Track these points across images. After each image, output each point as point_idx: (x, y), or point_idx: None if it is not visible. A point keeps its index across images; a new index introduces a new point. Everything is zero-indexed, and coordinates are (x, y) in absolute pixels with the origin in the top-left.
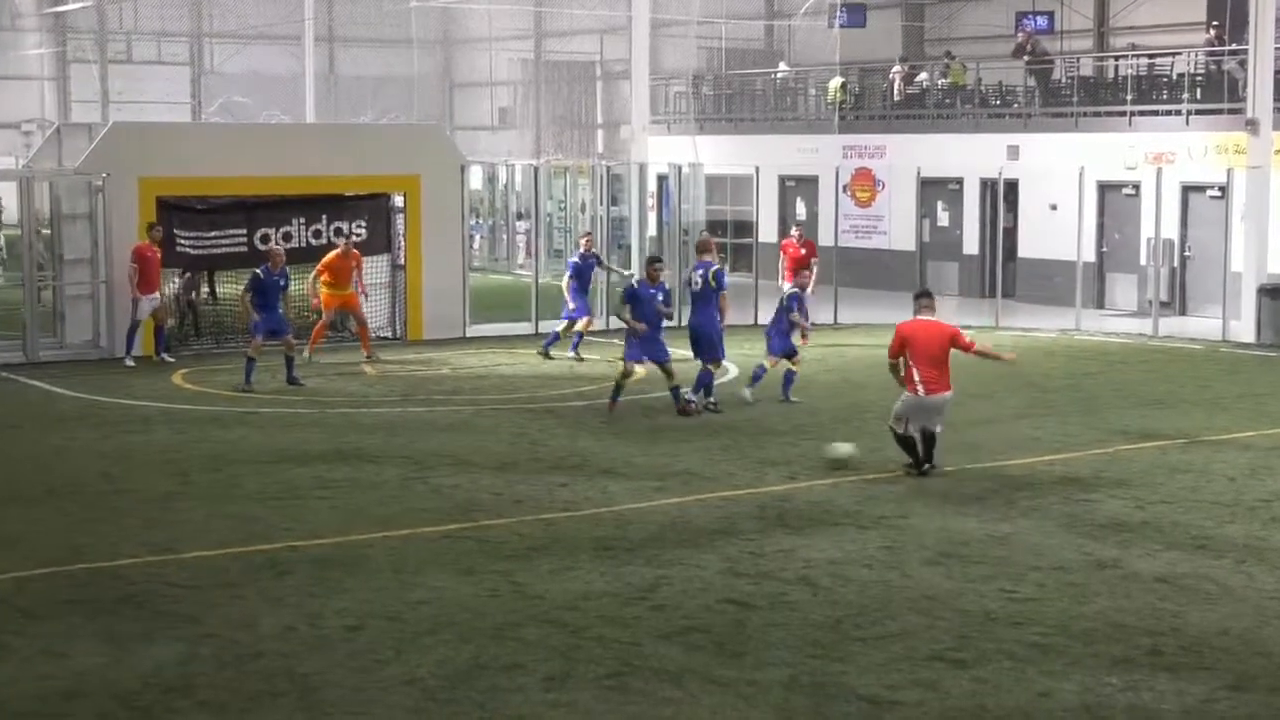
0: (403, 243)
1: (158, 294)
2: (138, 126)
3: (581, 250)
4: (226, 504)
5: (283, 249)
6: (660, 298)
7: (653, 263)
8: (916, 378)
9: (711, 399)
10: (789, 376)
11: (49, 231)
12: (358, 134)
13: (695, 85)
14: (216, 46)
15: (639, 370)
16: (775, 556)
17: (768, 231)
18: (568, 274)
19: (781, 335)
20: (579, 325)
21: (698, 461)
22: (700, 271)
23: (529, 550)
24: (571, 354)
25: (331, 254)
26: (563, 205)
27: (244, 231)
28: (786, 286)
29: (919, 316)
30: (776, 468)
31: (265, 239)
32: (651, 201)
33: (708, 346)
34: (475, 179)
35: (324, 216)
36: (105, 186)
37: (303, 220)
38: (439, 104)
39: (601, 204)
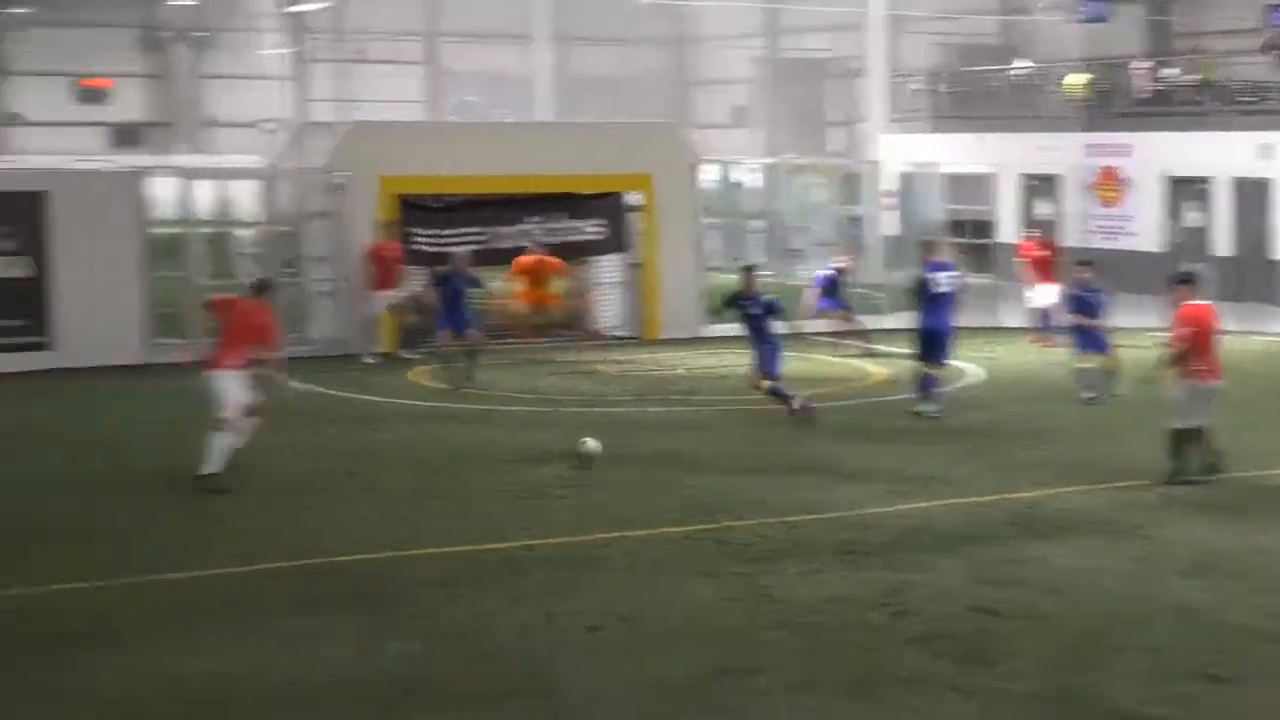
0: (637, 241)
1: (394, 292)
2: (379, 125)
3: (832, 266)
4: (466, 502)
5: (468, 254)
6: (758, 311)
7: (748, 271)
8: (1198, 364)
9: (933, 408)
10: (1095, 375)
11: (291, 229)
12: (592, 133)
13: (932, 83)
14: (450, 46)
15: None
16: (1023, 563)
17: (1007, 232)
18: (814, 286)
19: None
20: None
21: (941, 465)
22: (946, 274)
23: (771, 553)
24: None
25: (525, 257)
26: (798, 205)
27: (479, 229)
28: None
29: (1191, 300)
30: (1022, 473)
31: (499, 237)
32: (888, 201)
33: (940, 348)
34: (709, 177)
35: (560, 214)
36: (348, 185)
37: (538, 219)
38: (673, 102)
39: (838, 203)
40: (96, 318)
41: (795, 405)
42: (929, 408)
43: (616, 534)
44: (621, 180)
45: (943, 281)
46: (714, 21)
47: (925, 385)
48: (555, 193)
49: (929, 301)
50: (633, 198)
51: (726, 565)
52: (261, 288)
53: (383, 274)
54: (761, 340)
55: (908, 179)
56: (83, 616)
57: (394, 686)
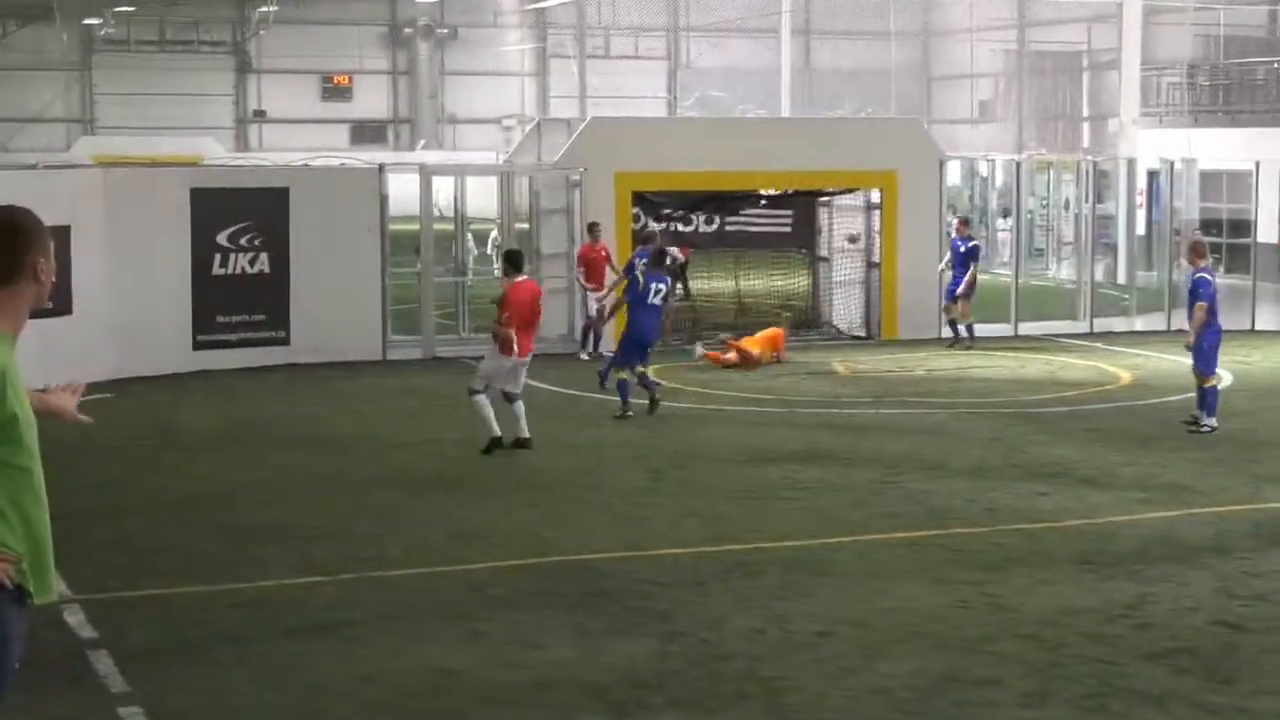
0: (878, 240)
1: (603, 291)
2: (614, 121)
3: (953, 233)
4: (696, 501)
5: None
6: (661, 291)
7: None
8: None
9: (1214, 422)
10: None
11: (527, 226)
12: (833, 128)
13: (1190, 75)
14: (692, 41)
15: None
16: (1274, 577)
17: (1267, 231)
18: (948, 257)
19: None
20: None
21: (1188, 473)
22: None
23: (1005, 561)
24: (962, 342)
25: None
26: (1045, 202)
27: (714, 226)
28: None
29: None
30: (1274, 483)
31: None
32: (1140, 199)
33: (1215, 359)
34: (954, 174)
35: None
36: (583, 180)
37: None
38: (917, 97)
39: (1086, 201)
40: (335, 313)
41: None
42: (1211, 421)
43: (847, 538)
44: (865, 177)
45: (1210, 287)
46: (961, 14)
47: (1207, 398)
48: (794, 190)
49: (1211, 310)
50: (874, 195)
51: (958, 572)
52: (512, 260)
53: (591, 275)
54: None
55: (1160, 175)
56: (315, 611)
57: (621, 685)
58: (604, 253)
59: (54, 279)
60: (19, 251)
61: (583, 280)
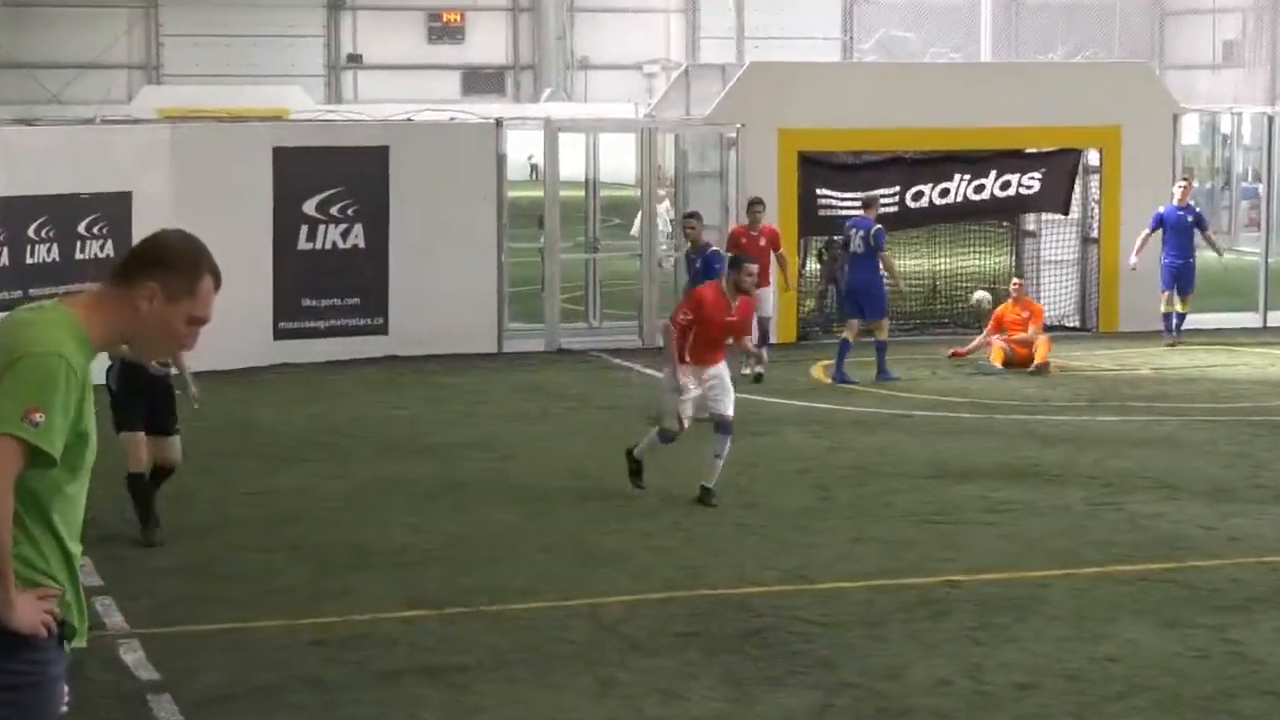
0: (1097, 210)
1: (766, 290)
2: (778, 67)
3: (1176, 201)
4: (872, 525)
5: (701, 222)
6: (700, 264)
7: (688, 219)
8: None
9: None
10: None
11: (671, 192)
12: (1043, 75)
13: None
14: None
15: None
16: None
17: None
18: (1148, 229)
19: None
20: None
21: None
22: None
23: (1248, 601)
24: (1168, 337)
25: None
26: None
27: (896, 190)
28: None
29: None
30: None
31: (919, 197)
32: None
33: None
34: (1191, 131)
35: (992, 173)
36: (740, 139)
37: (967, 178)
38: (1146, 38)
39: None
40: (442, 297)
41: None
42: None
43: (1058, 571)
44: (1081, 134)
45: None
46: None
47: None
48: (996, 150)
49: None
50: (1092, 156)
51: (1192, 614)
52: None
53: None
54: None
55: None
56: (417, 651)
57: None
58: (766, 240)
59: (173, 337)
60: (147, 265)
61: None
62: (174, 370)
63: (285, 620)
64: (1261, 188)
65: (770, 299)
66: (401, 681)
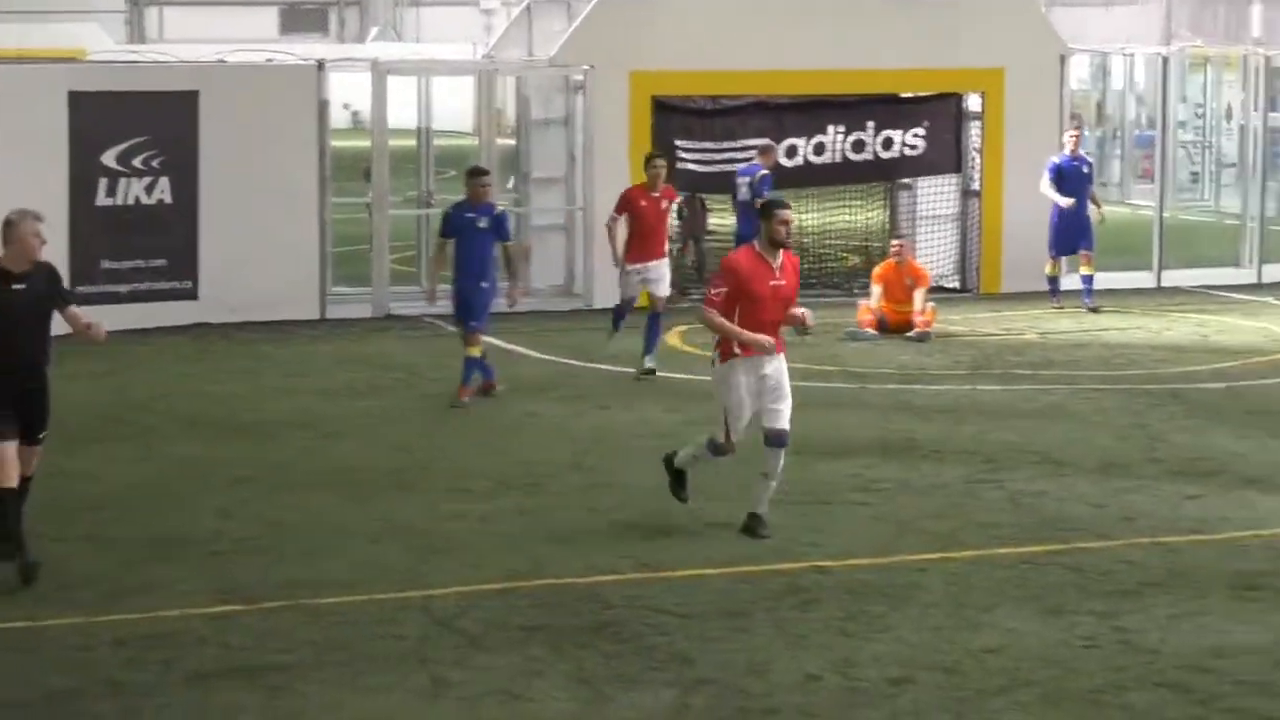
0: (978, 160)
1: (658, 263)
2: (630, 3)
3: (1069, 151)
4: (735, 507)
5: (489, 175)
6: (487, 224)
7: (471, 176)
8: None
9: None
10: None
11: (513, 142)
12: (919, 13)
13: None
14: None
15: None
16: None
17: None
18: (1047, 176)
19: None
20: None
21: None
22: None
23: (1141, 585)
24: (1054, 301)
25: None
26: (1200, 111)
27: (767, 143)
28: None
29: None
30: None
31: (793, 152)
32: None
33: None
34: (1080, 73)
35: (870, 124)
36: (588, 82)
37: (842, 129)
38: None
39: (1256, 109)
40: (258, 258)
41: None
42: None
43: (935, 555)
44: (962, 77)
45: None
46: None
47: None
48: (870, 95)
49: None
50: (972, 101)
51: (1079, 601)
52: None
53: (641, 238)
54: (480, 278)
55: None
56: (231, 650)
57: None
58: (669, 203)
59: None
60: None
61: (614, 238)
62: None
63: (82, 618)
64: (1156, 135)
65: (668, 274)
66: (212, 684)
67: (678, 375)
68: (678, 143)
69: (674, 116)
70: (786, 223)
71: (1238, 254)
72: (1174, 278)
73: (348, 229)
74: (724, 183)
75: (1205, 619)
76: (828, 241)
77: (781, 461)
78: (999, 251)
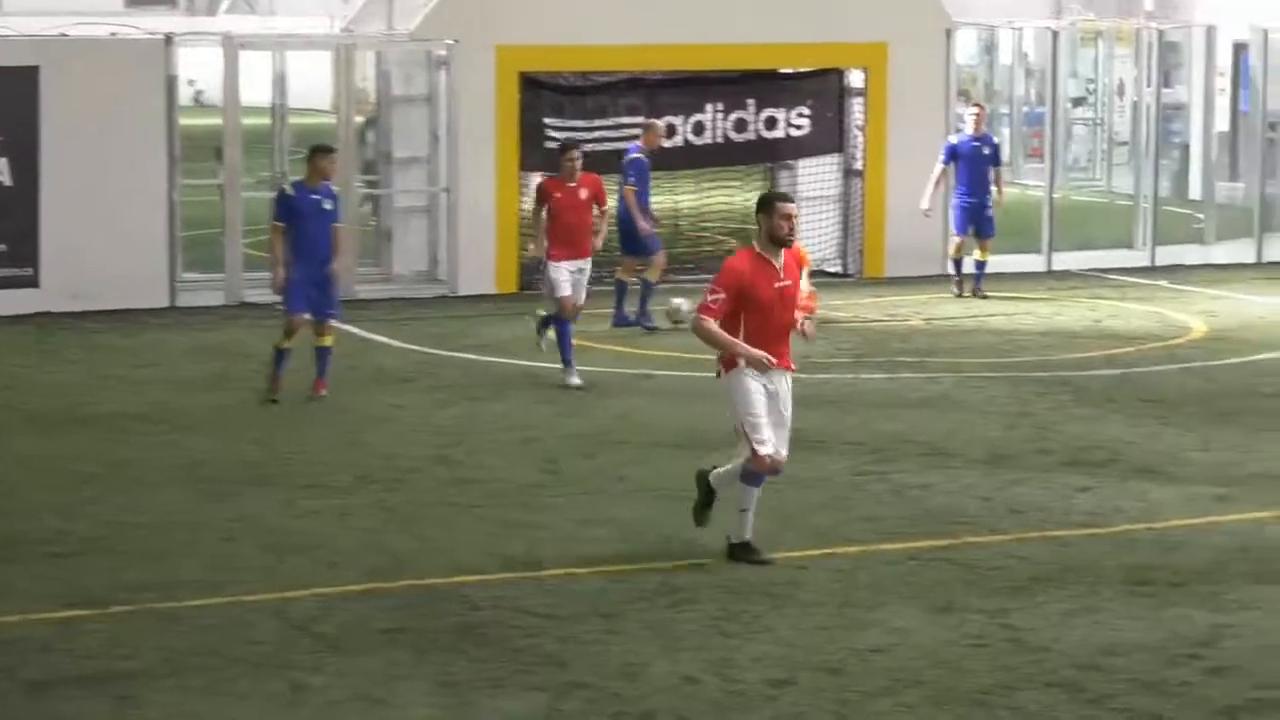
0: (860, 139)
1: (582, 264)
2: None
3: (970, 131)
4: (607, 503)
5: (332, 153)
6: (331, 205)
7: (320, 153)
8: None
9: None
10: None
11: (374, 120)
12: None
13: None
14: None
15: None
16: None
17: None
18: (940, 164)
19: None
20: (961, 249)
21: None
22: None
23: (1031, 581)
24: (956, 288)
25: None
26: (1092, 87)
27: (640, 121)
28: None
29: None
30: None
31: (672, 131)
32: (1223, 82)
33: None
34: (967, 48)
35: (750, 102)
36: (451, 58)
37: (721, 107)
38: None
39: (1149, 85)
40: (104, 243)
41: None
42: None
43: (817, 551)
44: (843, 52)
45: None
46: None
47: None
48: (747, 71)
49: None
50: (855, 77)
51: (967, 597)
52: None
53: (564, 233)
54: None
55: (1250, 49)
56: (75, 657)
57: None
58: (588, 193)
59: None
60: None
61: (546, 239)
62: None
63: None
64: (1046, 113)
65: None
66: (57, 693)
67: (548, 365)
68: (547, 121)
69: (543, 94)
70: (789, 217)
71: (1130, 236)
72: (1065, 261)
73: (198, 212)
74: (595, 163)
75: (1097, 615)
76: (704, 224)
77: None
78: (882, 234)
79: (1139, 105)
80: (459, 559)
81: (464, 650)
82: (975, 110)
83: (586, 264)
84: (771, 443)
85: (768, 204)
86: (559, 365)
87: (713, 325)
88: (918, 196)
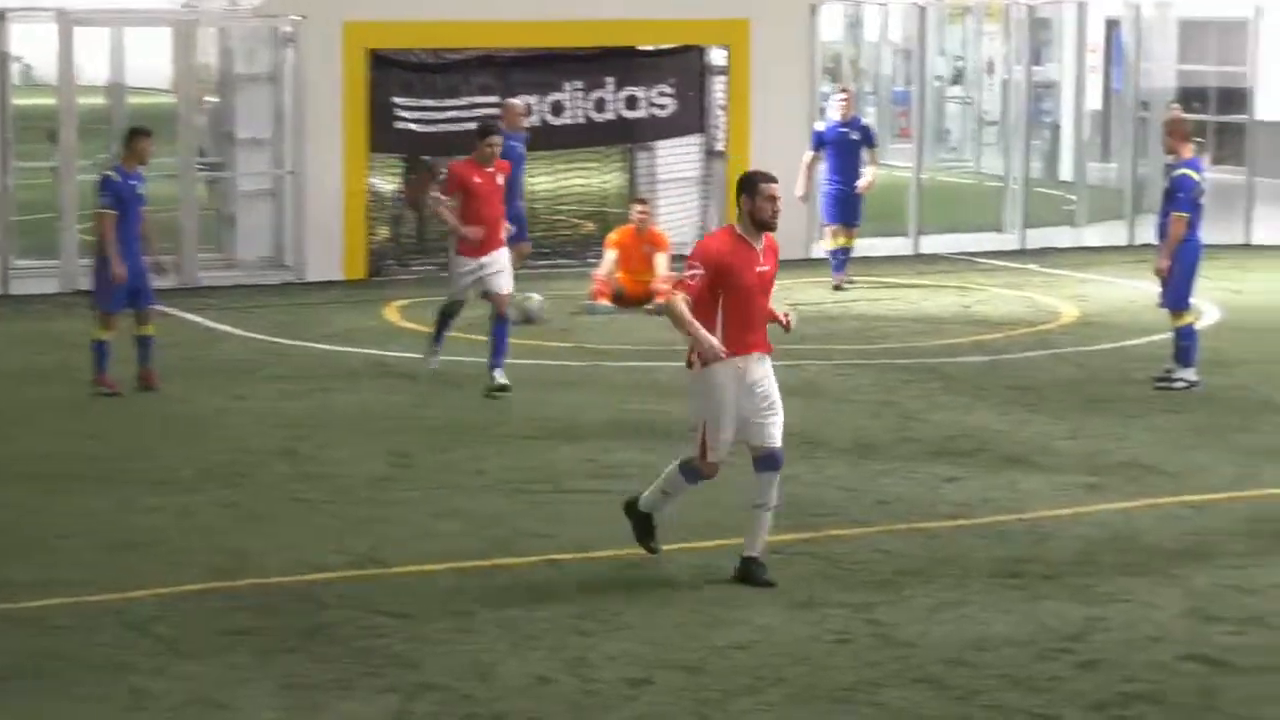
0: (723, 119)
1: (496, 255)
2: None
3: (837, 117)
4: (458, 497)
5: (151, 136)
6: (143, 190)
7: (140, 136)
8: None
9: (1192, 375)
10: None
11: (215, 100)
12: None
13: None
14: None
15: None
16: (1272, 594)
17: (1270, 105)
18: (810, 150)
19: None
20: (836, 237)
21: (1156, 448)
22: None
23: (898, 575)
24: (835, 277)
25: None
26: (960, 65)
27: (495, 100)
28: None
29: None
30: (1272, 462)
31: (528, 111)
32: (1094, 59)
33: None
34: (832, 25)
35: (610, 80)
36: (297, 34)
37: (580, 85)
38: None
39: (1019, 62)
40: None
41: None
42: (1188, 375)
43: (675, 546)
44: (704, 29)
45: (1194, 187)
46: None
47: (1181, 341)
48: (604, 48)
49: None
50: (717, 55)
51: (831, 592)
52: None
53: (476, 223)
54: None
55: (1122, 26)
56: None
57: None
58: (503, 178)
59: None
60: None
61: (453, 226)
62: None
63: None
64: (914, 92)
65: (509, 265)
66: None
67: (405, 355)
68: (396, 100)
69: (392, 72)
70: (774, 199)
71: (1000, 218)
72: (932, 244)
73: (31, 195)
74: (447, 144)
75: (965, 609)
76: (560, 207)
77: (776, 488)
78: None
79: (1009, 84)
80: (305, 556)
81: (310, 651)
82: (843, 96)
83: (500, 254)
84: (725, 450)
85: (751, 184)
86: (422, 355)
87: (683, 305)
88: (782, 178)
